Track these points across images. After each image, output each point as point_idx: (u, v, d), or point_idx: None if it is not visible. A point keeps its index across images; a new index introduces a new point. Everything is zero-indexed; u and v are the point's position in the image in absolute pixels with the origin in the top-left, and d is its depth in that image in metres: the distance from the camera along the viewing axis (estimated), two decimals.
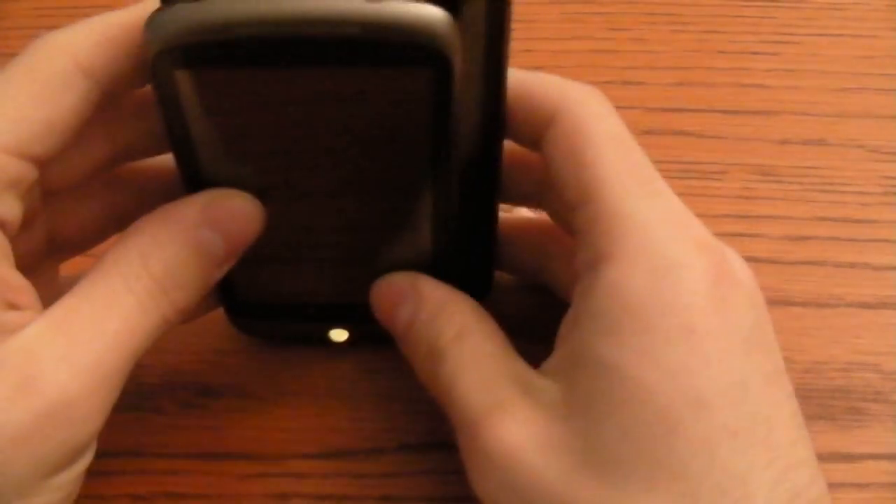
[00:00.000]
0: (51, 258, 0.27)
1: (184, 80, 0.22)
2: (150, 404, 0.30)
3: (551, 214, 0.28)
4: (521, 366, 0.25)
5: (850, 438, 0.30)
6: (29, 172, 0.23)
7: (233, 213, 0.25)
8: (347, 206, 0.26)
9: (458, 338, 0.25)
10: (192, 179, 0.25)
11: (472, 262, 0.29)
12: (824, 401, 0.31)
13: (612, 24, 0.41)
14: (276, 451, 0.30)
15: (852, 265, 0.35)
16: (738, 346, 0.22)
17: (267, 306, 0.30)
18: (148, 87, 0.24)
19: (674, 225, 0.23)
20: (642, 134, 0.38)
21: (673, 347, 0.22)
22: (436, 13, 0.21)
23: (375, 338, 0.29)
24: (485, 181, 0.27)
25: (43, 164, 0.24)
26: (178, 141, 0.24)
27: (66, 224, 0.27)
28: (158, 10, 0.22)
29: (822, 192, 0.37)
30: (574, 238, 0.25)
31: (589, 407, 0.22)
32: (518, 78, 0.25)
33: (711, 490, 0.21)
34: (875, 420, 0.31)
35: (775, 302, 0.33)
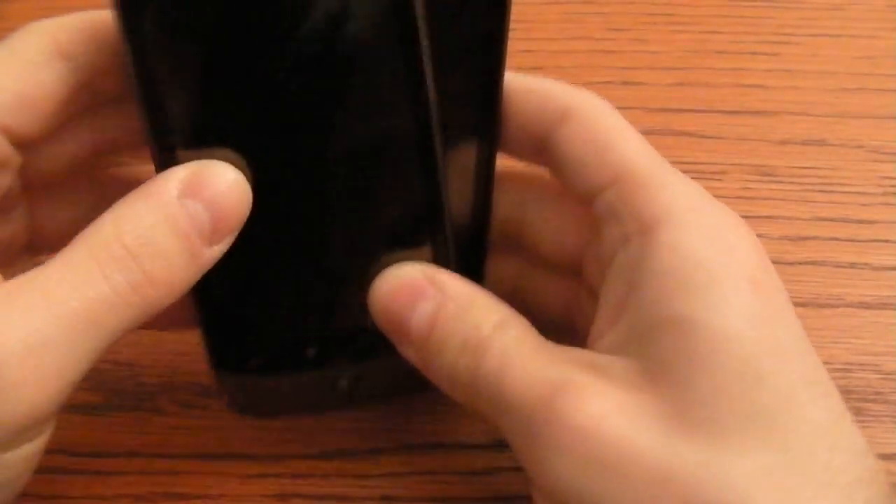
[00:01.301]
0: (29, 257, 0.27)
1: (159, 7, 0.22)
2: (150, 404, 0.30)
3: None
4: (572, 349, 0.24)
5: None
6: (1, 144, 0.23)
7: (216, 182, 0.23)
8: (327, 182, 0.25)
9: (501, 326, 0.24)
10: (166, 151, 0.24)
11: (464, 258, 0.27)
12: None
13: (612, 24, 0.41)
14: (276, 451, 0.29)
15: (852, 265, 0.35)
16: (789, 302, 0.23)
17: (259, 350, 0.27)
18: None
19: (703, 194, 0.24)
20: (642, 134, 0.38)
21: (745, 298, 0.22)
22: None
23: (375, 384, 0.27)
24: (480, 175, 0.27)
25: (18, 140, 0.24)
26: (151, 100, 0.23)
27: (48, 222, 0.27)
28: None
29: (822, 193, 0.37)
30: (598, 218, 0.25)
31: (671, 369, 0.21)
32: (523, 80, 0.25)
33: (801, 441, 0.20)
34: (875, 420, 0.31)
35: None
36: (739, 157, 0.37)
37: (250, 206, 0.24)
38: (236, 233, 0.24)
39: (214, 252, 0.24)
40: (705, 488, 0.20)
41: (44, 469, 0.30)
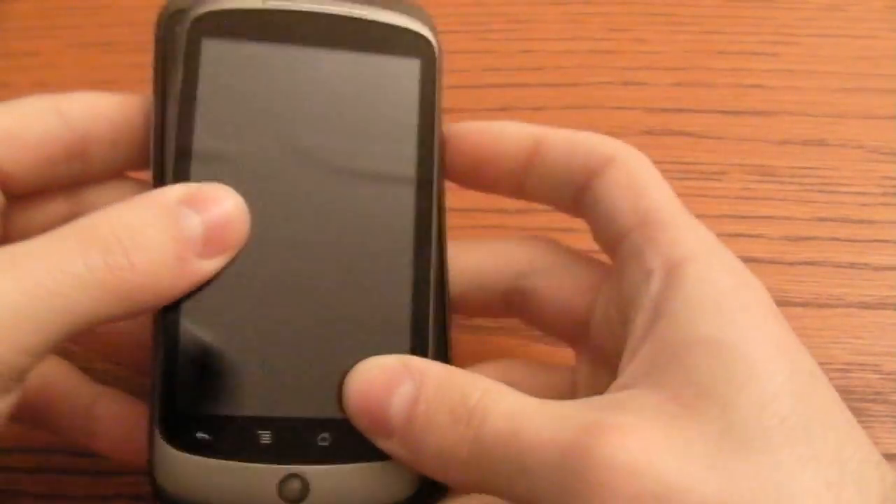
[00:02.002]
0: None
1: (209, 50, 0.25)
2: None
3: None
4: (585, 399, 0.23)
5: None
6: None
7: (215, 199, 0.24)
8: (315, 265, 0.25)
9: (491, 392, 0.23)
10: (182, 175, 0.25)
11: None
12: None
13: (612, 24, 0.41)
14: None
15: (852, 265, 0.35)
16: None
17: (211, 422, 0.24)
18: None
19: (721, 247, 0.25)
20: (642, 134, 0.38)
21: (772, 325, 0.22)
22: (425, 21, 0.27)
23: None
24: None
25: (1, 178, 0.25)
26: (179, 123, 0.25)
27: (21, 228, 0.27)
28: None
29: (822, 193, 0.37)
30: (621, 262, 0.26)
31: (709, 391, 0.21)
32: (568, 134, 0.27)
33: (852, 457, 0.21)
34: (875, 420, 0.31)
35: (775, 302, 0.33)
36: (739, 157, 0.37)
37: (248, 232, 0.24)
38: (229, 256, 0.24)
39: (204, 267, 0.23)
40: None
41: (44, 469, 0.30)
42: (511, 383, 0.28)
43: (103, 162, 0.27)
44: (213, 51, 0.25)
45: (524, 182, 0.28)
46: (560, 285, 0.28)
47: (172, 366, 0.24)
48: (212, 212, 0.24)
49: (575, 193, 0.27)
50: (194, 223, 0.23)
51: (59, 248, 0.22)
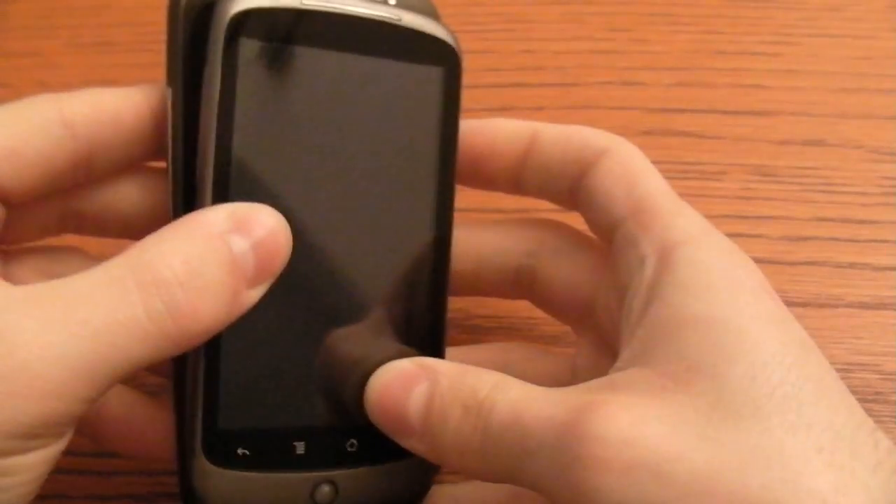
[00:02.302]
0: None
1: (247, 50, 0.24)
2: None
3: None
4: (584, 383, 0.23)
5: None
6: None
7: (263, 223, 0.23)
8: (343, 280, 0.26)
9: (499, 385, 0.23)
10: (219, 184, 0.24)
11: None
12: None
13: (612, 24, 0.41)
14: None
15: (852, 265, 0.35)
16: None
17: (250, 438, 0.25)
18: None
19: (711, 225, 0.26)
20: (642, 134, 0.38)
21: (765, 301, 0.23)
22: (448, 31, 0.27)
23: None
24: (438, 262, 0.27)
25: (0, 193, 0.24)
26: (219, 128, 0.24)
27: (18, 227, 0.26)
28: None
29: (822, 193, 0.37)
30: (615, 251, 0.26)
31: (700, 364, 0.21)
32: (560, 129, 0.28)
33: (845, 423, 0.21)
34: (875, 420, 0.31)
35: None
36: (739, 157, 0.37)
37: (290, 252, 0.24)
38: (274, 279, 0.23)
39: (252, 296, 0.23)
40: (762, 471, 0.20)
41: None
42: (509, 364, 0.28)
43: (109, 162, 0.26)
44: (251, 51, 0.24)
45: (520, 177, 0.28)
46: (568, 265, 0.28)
47: (213, 385, 0.24)
48: (259, 237, 0.23)
49: (570, 186, 0.27)
50: (246, 253, 0.23)
51: (116, 293, 0.21)
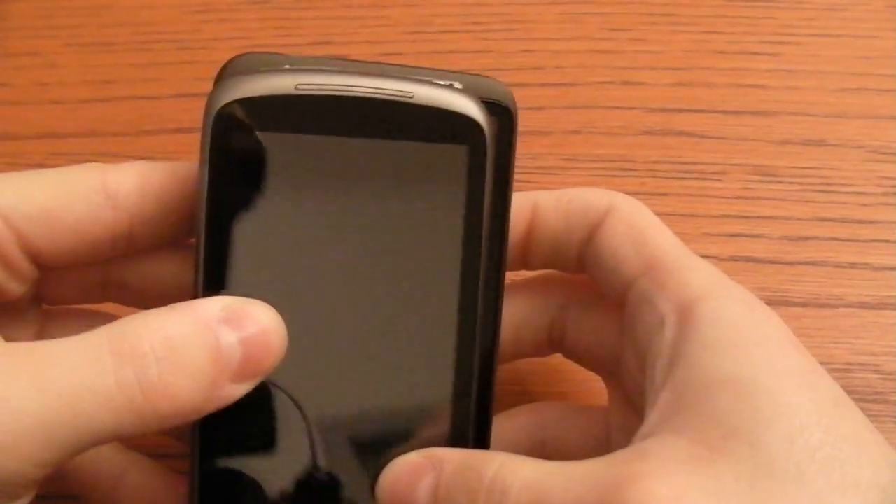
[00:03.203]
0: (34, 307, 0.26)
1: (240, 142, 0.23)
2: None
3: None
4: (607, 455, 0.22)
5: None
6: (11, 249, 0.23)
7: (257, 319, 0.22)
8: (354, 381, 0.25)
9: (508, 462, 0.22)
10: (213, 277, 0.23)
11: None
12: None
13: (612, 24, 0.41)
14: None
15: (852, 265, 0.35)
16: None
17: None
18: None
19: (727, 277, 0.25)
20: (642, 134, 0.38)
21: (793, 356, 0.22)
22: (472, 99, 0.24)
23: None
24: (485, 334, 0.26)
25: (32, 254, 0.24)
26: (214, 223, 0.23)
27: (56, 288, 0.26)
28: (226, 79, 0.23)
29: (822, 193, 0.37)
30: (632, 309, 0.25)
31: (736, 429, 0.20)
32: (558, 194, 0.27)
33: (886, 486, 0.20)
34: (875, 420, 0.31)
35: (775, 302, 0.33)
36: (739, 157, 0.37)
37: (283, 354, 0.23)
38: (262, 378, 0.23)
39: (236, 391, 0.22)
40: None
41: None
42: (545, 425, 0.28)
43: (150, 239, 0.25)
44: (244, 143, 0.23)
45: (527, 253, 0.27)
46: (595, 318, 0.28)
47: (211, 487, 0.24)
48: (250, 333, 0.22)
49: (578, 252, 0.27)
50: (233, 346, 0.22)
51: (88, 358, 0.20)
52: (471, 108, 0.24)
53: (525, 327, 0.28)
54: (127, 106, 0.39)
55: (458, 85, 0.25)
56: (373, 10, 0.41)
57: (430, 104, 0.24)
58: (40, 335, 0.26)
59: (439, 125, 0.24)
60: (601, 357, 0.28)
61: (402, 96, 0.23)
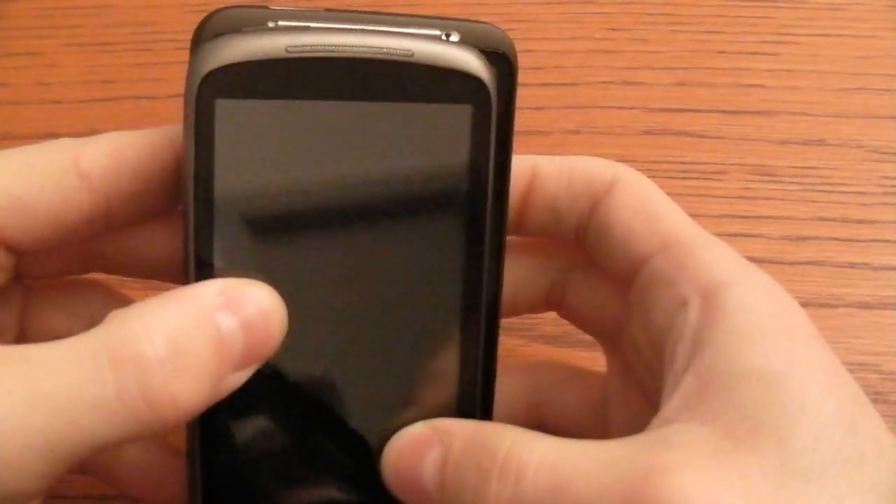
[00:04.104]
0: (16, 286, 0.26)
1: (227, 111, 0.22)
2: None
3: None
4: (629, 438, 0.21)
5: None
6: None
7: (256, 302, 0.21)
8: (360, 356, 0.24)
9: (521, 439, 0.21)
10: (203, 256, 0.22)
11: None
12: None
13: (612, 24, 0.41)
14: None
15: (852, 265, 0.35)
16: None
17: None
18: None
19: (748, 264, 0.24)
20: (642, 134, 0.38)
21: (817, 352, 0.22)
22: (475, 54, 0.22)
23: None
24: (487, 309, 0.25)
25: (8, 244, 0.23)
26: (203, 198, 0.22)
27: (36, 267, 0.25)
28: (207, 41, 0.22)
29: (822, 192, 0.37)
30: (643, 287, 0.24)
31: (762, 423, 0.20)
32: (562, 161, 0.26)
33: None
34: None
35: None
36: (739, 157, 0.37)
37: (283, 334, 0.22)
38: (262, 362, 0.22)
39: (237, 379, 0.21)
40: None
41: None
42: (540, 388, 0.27)
43: (129, 216, 0.24)
44: (231, 112, 0.22)
45: (523, 217, 0.26)
46: (598, 285, 0.27)
47: (209, 466, 0.23)
48: (250, 316, 0.21)
49: (578, 223, 0.26)
50: (234, 333, 0.21)
51: (86, 369, 0.19)
52: (474, 66, 0.22)
53: (524, 286, 0.28)
54: (127, 106, 0.39)
55: (455, 37, 0.23)
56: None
57: (431, 63, 0.22)
58: (25, 311, 0.25)
59: (442, 85, 0.22)
60: (602, 323, 0.27)
61: (401, 55, 0.22)
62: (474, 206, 0.23)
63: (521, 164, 0.26)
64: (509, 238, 0.26)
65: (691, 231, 0.24)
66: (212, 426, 0.23)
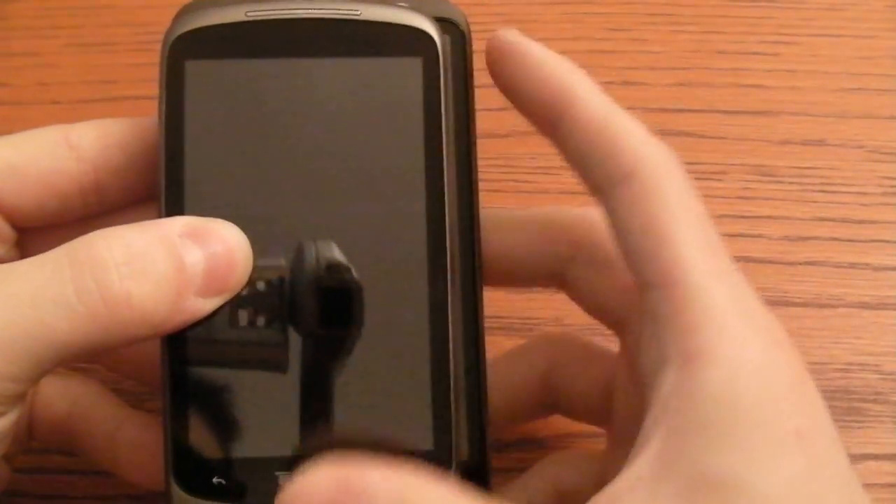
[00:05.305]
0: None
1: (192, 73, 0.24)
2: (151, 405, 0.30)
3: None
4: (620, 429, 0.21)
5: (851, 439, 0.30)
6: None
7: (220, 237, 0.22)
8: (332, 264, 0.24)
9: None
10: (173, 204, 0.24)
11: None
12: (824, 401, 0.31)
13: (612, 24, 0.41)
14: None
15: (852, 265, 0.35)
16: (836, 444, 0.21)
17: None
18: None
19: (751, 317, 0.22)
20: None
21: (792, 455, 0.20)
22: (419, 13, 0.25)
23: None
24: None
25: (5, 211, 0.24)
26: (172, 153, 0.24)
27: (33, 249, 0.25)
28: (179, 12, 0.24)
29: (822, 193, 0.37)
30: (648, 316, 0.22)
31: None
32: (604, 108, 0.24)
33: None
34: (875, 420, 0.31)
35: (775, 302, 0.33)
36: (739, 157, 0.37)
37: (249, 272, 0.23)
38: (227, 297, 0.22)
39: (202, 306, 0.22)
40: None
41: (44, 469, 0.30)
42: (558, 364, 0.27)
43: (120, 192, 0.25)
44: (197, 73, 0.24)
45: (556, 132, 0.24)
46: (603, 268, 0.26)
47: (182, 410, 0.23)
48: (215, 249, 0.22)
49: (592, 190, 0.24)
50: (196, 258, 0.22)
51: (48, 271, 0.20)
52: (418, 20, 0.25)
53: (527, 254, 0.27)
54: (127, 106, 0.39)
55: (403, 3, 0.25)
56: None
57: (376, 19, 0.25)
58: None
59: (389, 40, 0.25)
60: (605, 309, 0.26)
61: (348, 14, 0.24)
62: (431, 153, 0.25)
63: (560, 81, 0.26)
64: (519, 209, 0.26)
65: (699, 266, 0.21)
66: (182, 380, 0.23)
